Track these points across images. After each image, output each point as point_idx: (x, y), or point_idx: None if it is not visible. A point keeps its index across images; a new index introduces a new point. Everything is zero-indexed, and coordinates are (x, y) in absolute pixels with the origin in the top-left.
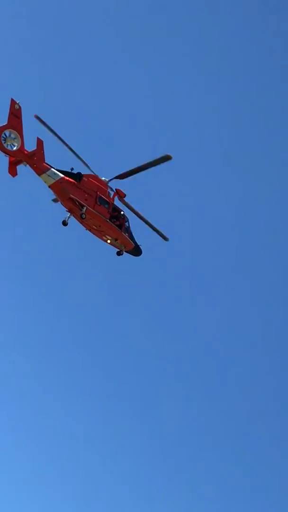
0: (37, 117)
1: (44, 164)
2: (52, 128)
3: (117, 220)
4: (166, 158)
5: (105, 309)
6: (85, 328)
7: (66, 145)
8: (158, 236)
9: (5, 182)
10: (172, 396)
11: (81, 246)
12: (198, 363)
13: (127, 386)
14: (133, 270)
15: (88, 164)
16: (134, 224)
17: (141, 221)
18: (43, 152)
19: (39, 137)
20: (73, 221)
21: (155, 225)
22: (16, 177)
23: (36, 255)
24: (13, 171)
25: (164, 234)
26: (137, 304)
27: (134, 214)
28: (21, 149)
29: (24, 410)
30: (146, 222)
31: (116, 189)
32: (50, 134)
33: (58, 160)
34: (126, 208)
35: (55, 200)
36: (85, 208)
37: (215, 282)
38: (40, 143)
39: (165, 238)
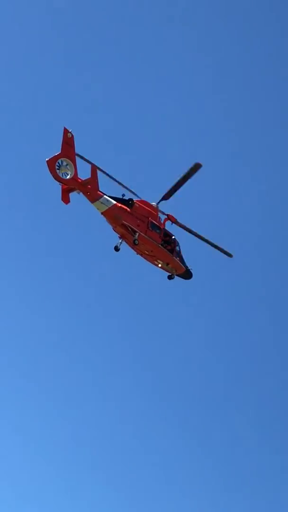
0: (78, 155)
1: (98, 191)
2: (94, 163)
3: (169, 245)
4: (197, 167)
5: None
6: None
7: (110, 176)
8: (221, 253)
9: (58, 209)
10: None
11: (133, 270)
12: None
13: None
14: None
15: (135, 192)
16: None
17: (198, 239)
18: (97, 180)
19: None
20: (124, 246)
21: (215, 242)
22: (68, 204)
23: (90, 280)
24: (65, 199)
25: (227, 250)
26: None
27: (190, 234)
28: (75, 177)
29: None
30: (206, 241)
31: (168, 214)
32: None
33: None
34: (181, 230)
35: (116, 249)
36: (137, 234)
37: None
38: (94, 170)
39: (228, 255)
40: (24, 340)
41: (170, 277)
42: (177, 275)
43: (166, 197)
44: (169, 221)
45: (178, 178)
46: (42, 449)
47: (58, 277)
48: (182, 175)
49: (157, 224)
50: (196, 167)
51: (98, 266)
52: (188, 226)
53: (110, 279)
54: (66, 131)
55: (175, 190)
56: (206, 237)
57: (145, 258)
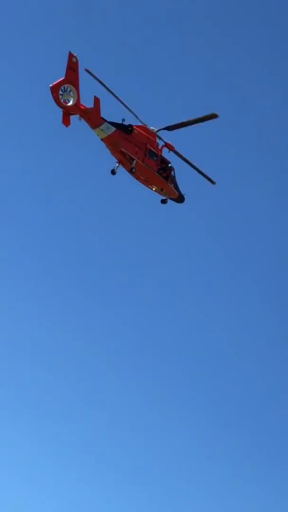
0: (88, 71)
1: (99, 118)
2: (102, 81)
3: (164, 172)
4: (213, 116)
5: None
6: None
7: (116, 97)
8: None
9: (58, 132)
10: None
11: (129, 193)
12: None
13: None
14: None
15: (138, 115)
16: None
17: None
18: (99, 110)
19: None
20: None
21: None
22: (69, 126)
23: (87, 203)
24: (66, 121)
25: (211, 178)
26: None
27: (181, 160)
28: (77, 103)
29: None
30: (193, 167)
31: (165, 142)
32: (100, 86)
33: (107, 109)
34: (173, 155)
35: (113, 172)
36: (135, 161)
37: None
38: (97, 101)
39: (212, 182)
40: None
41: (163, 201)
42: (170, 199)
43: (169, 128)
44: (166, 148)
45: (189, 119)
46: (42, 449)
47: (56, 195)
48: (192, 118)
49: (155, 151)
50: (211, 116)
51: (95, 188)
52: (185, 156)
53: (106, 202)
54: (71, 55)
55: (182, 126)
56: (202, 170)
57: (140, 182)
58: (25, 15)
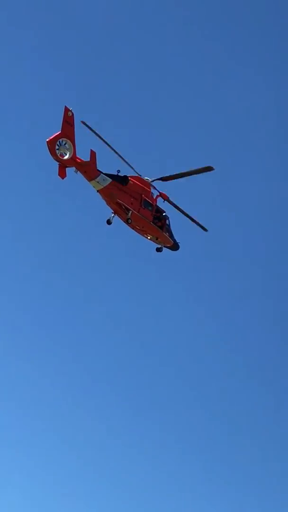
0: (84, 123)
1: (95, 171)
2: (98, 132)
3: (159, 221)
4: (209, 169)
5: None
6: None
7: (112, 148)
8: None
9: (54, 183)
10: None
11: (124, 242)
12: None
13: None
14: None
15: (133, 166)
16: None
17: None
18: (96, 163)
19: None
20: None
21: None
22: (65, 178)
23: (84, 253)
24: (62, 174)
25: (203, 225)
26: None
27: (175, 209)
28: (73, 157)
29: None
30: (186, 215)
31: (160, 192)
32: (95, 136)
33: (103, 160)
34: (167, 204)
35: (109, 222)
36: (130, 212)
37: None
38: (93, 155)
39: (204, 229)
40: None
41: (158, 250)
42: (165, 247)
43: (165, 179)
44: (161, 198)
45: (185, 171)
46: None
47: (52, 249)
48: (190, 169)
49: (150, 201)
50: (207, 169)
51: (92, 238)
52: (179, 206)
53: (102, 250)
54: (66, 109)
55: (177, 177)
56: (195, 218)
57: (136, 231)
58: (23, 69)
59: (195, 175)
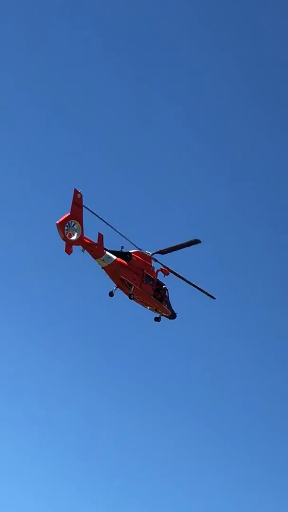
0: (87, 208)
1: (102, 251)
2: (96, 213)
3: (159, 294)
4: (196, 242)
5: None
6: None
7: (114, 229)
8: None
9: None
10: None
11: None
12: None
13: None
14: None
15: (133, 242)
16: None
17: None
18: (103, 244)
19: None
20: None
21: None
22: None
23: (87, 323)
24: (69, 250)
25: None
26: None
27: (178, 279)
28: (81, 237)
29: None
30: (192, 285)
31: (161, 268)
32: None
33: (106, 238)
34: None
35: (111, 294)
36: (132, 287)
37: None
38: (100, 237)
39: (211, 297)
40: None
41: (157, 319)
42: (163, 316)
43: (163, 252)
44: (161, 272)
45: (176, 244)
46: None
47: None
48: (180, 243)
49: (151, 275)
50: (194, 242)
51: (94, 308)
52: (180, 274)
53: (104, 321)
54: (76, 192)
55: (173, 250)
56: (191, 281)
57: (136, 302)
58: (30, 149)
59: (186, 248)
